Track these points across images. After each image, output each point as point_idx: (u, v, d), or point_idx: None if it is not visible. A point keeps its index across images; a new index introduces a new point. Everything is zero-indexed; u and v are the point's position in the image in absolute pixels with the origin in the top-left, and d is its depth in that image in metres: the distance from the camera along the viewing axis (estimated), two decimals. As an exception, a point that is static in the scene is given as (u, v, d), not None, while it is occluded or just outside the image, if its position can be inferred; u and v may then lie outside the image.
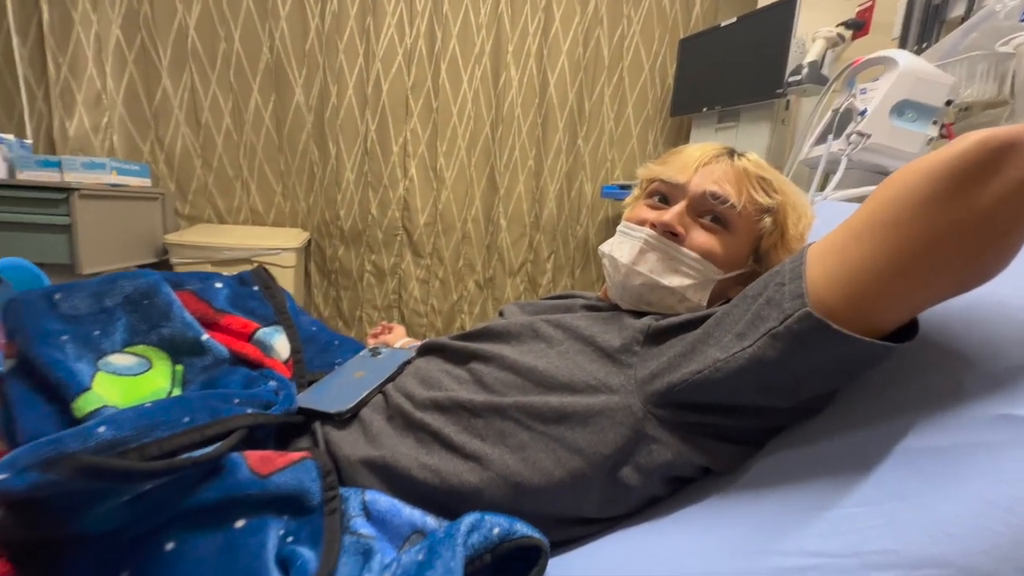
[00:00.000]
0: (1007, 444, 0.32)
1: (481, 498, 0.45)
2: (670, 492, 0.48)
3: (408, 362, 0.59)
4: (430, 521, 0.42)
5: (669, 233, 0.55)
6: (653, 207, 0.59)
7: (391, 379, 0.55)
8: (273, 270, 1.90)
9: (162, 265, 1.80)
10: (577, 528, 0.47)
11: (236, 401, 0.39)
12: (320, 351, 0.61)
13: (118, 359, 0.40)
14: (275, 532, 0.34)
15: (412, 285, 2.09)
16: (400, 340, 0.94)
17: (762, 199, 0.56)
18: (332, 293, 2.11)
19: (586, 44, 2.01)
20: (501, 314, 0.66)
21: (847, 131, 1.10)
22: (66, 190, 1.37)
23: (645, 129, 2.14)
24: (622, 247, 0.58)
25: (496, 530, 0.40)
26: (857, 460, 0.38)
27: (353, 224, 2.03)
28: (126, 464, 0.28)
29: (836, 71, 1.21)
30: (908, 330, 0.38)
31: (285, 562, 0.33)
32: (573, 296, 0.67)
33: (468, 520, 0.40)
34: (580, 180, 2.14)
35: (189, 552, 0.31)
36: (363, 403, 0.51)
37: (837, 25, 1.50)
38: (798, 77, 1.49)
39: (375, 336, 0.99)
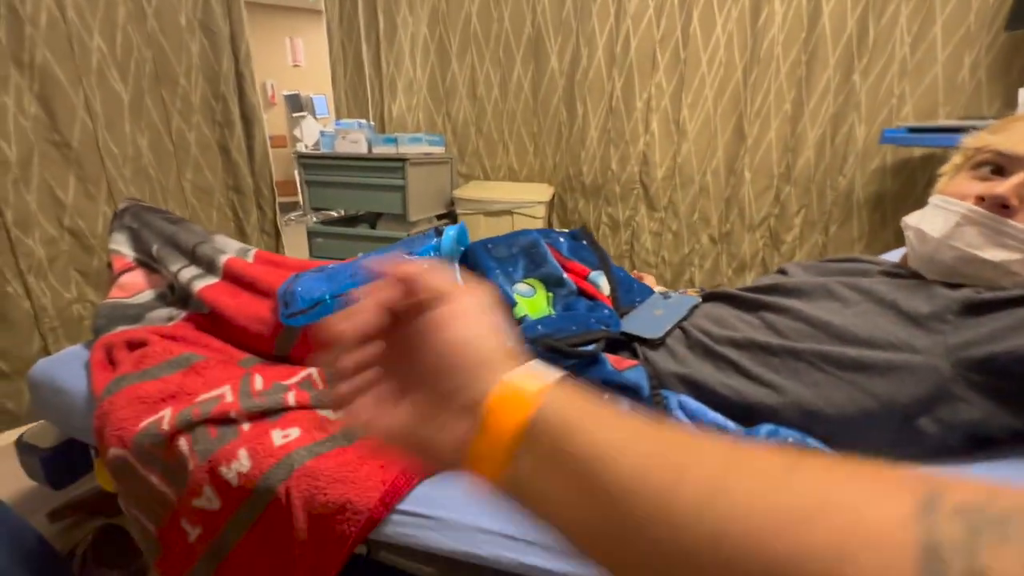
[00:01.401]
0: None
1: (776, 416, 0.53)
2: (969, 447, 0.50)
3: (696, 306, 0.68)
4: (730, 424, 0.54)
5: (999, 206, 0.52)
6: (982, 178, 0.55)
7: (685, 318, 0.65)
8: (524, 220, 2.24)
9: (449, 215, 2.30)
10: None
11: (593, 320, 0.57)
12: (626, 292, 0.75)
13: (521, 287, 0.63)
14: (625, 407, 0.51)
15: (644, 237, 2.18)
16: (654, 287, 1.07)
17: None
18: (571, 241, 2.35)
19: (881, -47, 1.65)
20: (783, 272, 0.71)
21: None
22: (402, 160, 1.88)
23: (959, 52, 1.67)
24: (934, 220, 0.56)
25: (790, 439, 0.49)
26: None
27: (593, 179, 2.19)
28: (565, 346, 0.47)
29: None
30: None
31: None
32: (861, 260, 0.69)
33: (766, 428, 0.50)
34: (851, 123, 1.83)
35: None
36: (668, 333, 0.63)
37: None
38: None
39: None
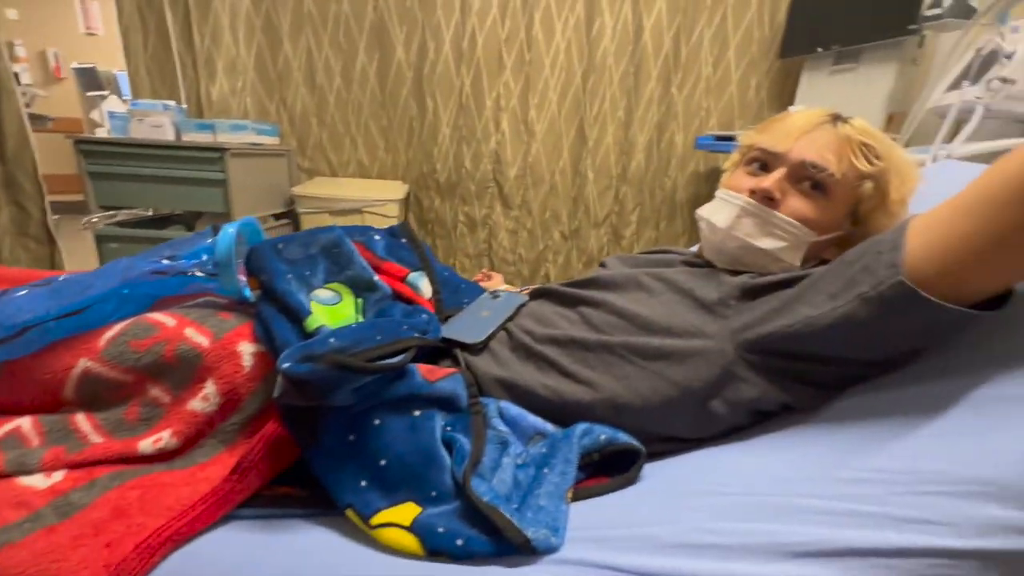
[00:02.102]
0: None
1: (590, 413, 0.53)
2: (753, 423, 0.53)
3: (523, 305, 0.66)
4: (549, 427, 0.52)
5: (766, 199, 0.58)
6: (752, 174, 0.61)
7: (511, 318, 0.63)
8: (377, 220, 2.09)
9: (290, 214, 2.05)
10: (669, 444, 0.54)
11: (406, 327, 0.50)
12: (452, 293, 0.70)
13: (322, 293, 0.53)
14: (439, 421, 0.45)
15: (502, 235, 2.19)
16: (501, 286, 1.05)
17: (863, 166, 0.56)
18: (428, 242, 2.26)
19: (687, -18, 1.87)
20: (603, 265, 0.72)
21: (987, 76, 0.98)
22: (220, 150, 1.60)
23: (747, 74, 1.98)
24: (720, 212, 0.61)
25: (603, 436, 0.50)
26: (931, 404, 0.42)
27: (448, 176, 2.13)
28: (356, 362, 0.40)
29: (987, 2, 1.06)
30: (999, 299, 0.40)
31: (448, 444, 0.44)
32: (670, 252, 0.72)
33: (581, 427, 0.50)
34: (671, 131, 2.05)
35: (389, 426, 0.42)
36: (492, 336, 0.60)
37: (998, -58, 1.27)
38: (938, 10, 1.29)
39: (478, 281, 1.10)
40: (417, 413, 0.44)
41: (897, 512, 0.36)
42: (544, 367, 0.56)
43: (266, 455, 0.41)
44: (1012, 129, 1.14)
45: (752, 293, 0.54)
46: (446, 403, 0.47)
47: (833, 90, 1.66)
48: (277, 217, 2.00)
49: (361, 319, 0.56)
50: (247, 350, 0.45)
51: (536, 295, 0.69)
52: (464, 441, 0.45)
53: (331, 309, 0.51)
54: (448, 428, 0.47)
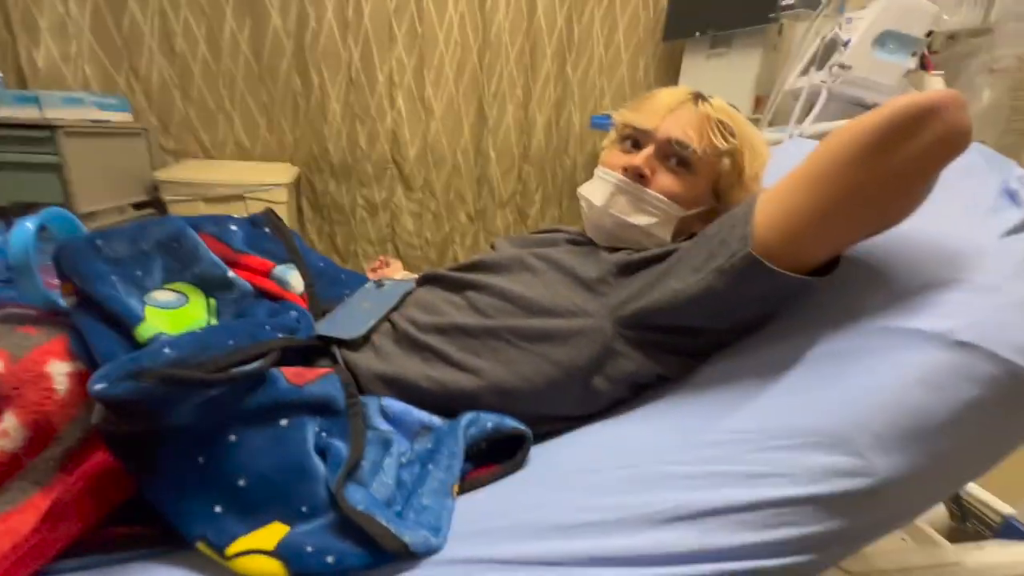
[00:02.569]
0: (882, 348, 0.42)
1: (477, 402, 0.52)
2: (633, 395, 0.56)
3: (409, 293, 0.63)
4: (436, 420, 0.50)
5: (638, 176, 0.59)
6: (625, 152, 0.63)
7: (395, 308, 0.60)
8: (264, 206, 1.90)
9: (154, 203, 1.79)
10: (556, 424, 0.55)
11: (268, 328, 0.45)
12: (329, 284, 0.65)
13: (160, 295, 0.45)
14: (312, 429, 0.41)
15: (405, 219, 2.10)
16: (399, 274, 0.99)
17: (719, 143, 0.59)
18: (326, 228, 2.11)
19: (576, -40, 1.88)
20: (493, 247, 0.71)
21: (830, 62, 1.09)
22: (49, 128, 1.31)
23: (636, 56, 2.06)
24: (596, 191, 0.62)
25: (489, 424, 0.49)
26: (778, 364, 0.47)
27: (342, 158, 1.99)
28: (194, 375, 0.34)
29: (830, -5, 1.18)
30: (831, 265, 0.45)
31: (324, 451, 0.40)
32: (558, 231, 0.72)
33: (467, 417, 0.49)
34: (568, 110, 2.09)
35: (247, 442, 0.38)
36: (373, 329, 0.56)
37: (836, -58, 1.42)
38: (791, 1, 1.44)
39: (374, 271, 1.04)
40: (284, 423, 0.40)
41: (748, 469, 0.40)
42: (429, 358, 0.54)
43: (88, 493, 0.34)
44: (852, 111, 1.31)
45: (628, 269, 0.56)
46: (320, 407, 0.43)
47: (710, 74, 1.78)
48: (138, 207, 1.73)
49: (215, 322, 0.49)
50: (59, 370, 0.36)
51: (423, 281, 0.66)
52: (341, 447, 0.41)
53: (173, 314, 0.44)
54: (323, 434, 0.43)
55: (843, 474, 0.38)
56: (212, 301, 0.50)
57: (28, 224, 0.39)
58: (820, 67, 1.16)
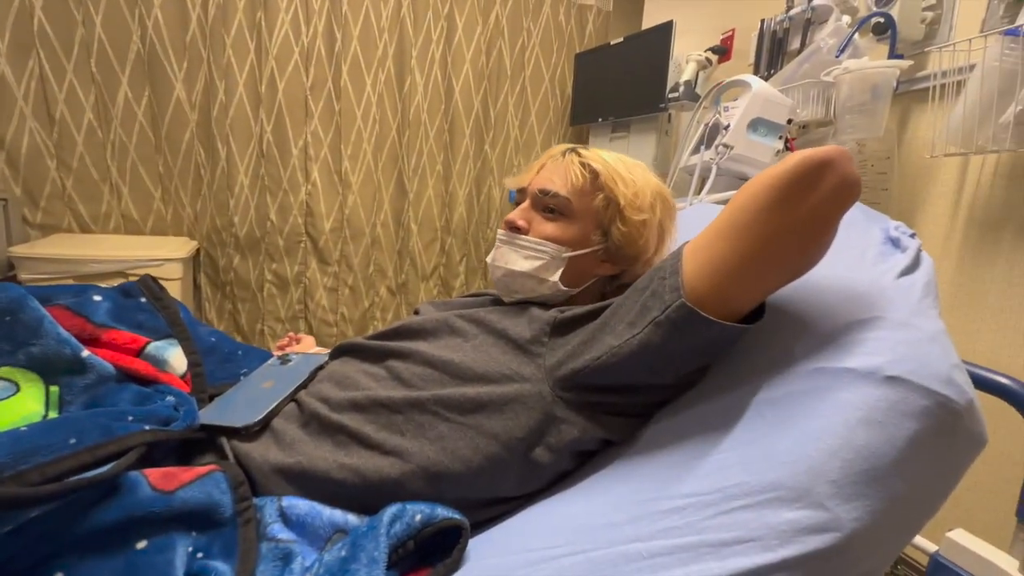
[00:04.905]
0: (819, 389, 0.41)
1: (403, 491, 0.44)
2: (577, 465, 0.51)
3: (321, 367, 0.55)
4: (352, 519, 0.41)
5: (514, 228, 0.62)
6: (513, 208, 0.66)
7: (303, 386, 0.51)
8: (154, 283, 1.68)
9: (9, 282, 1.50)
10: (496, 507, 0.48)
11: (130, 419, 0.34)
12: (222, 362, 0.55)
13: None
14: (183, 549, 0.31)
15: (319, 294, 1.96)
16: (311, 350, 0.88)
17: (575, 179, 0.60)
18: (228, 306, 1.91)
19: (488, 53, 2.03)
20: (416, 312, 0.66)
21: (715, 143, 1.22)
22: None
23: (548, 136, 2.21)
24: (493, 251, 0.64)
25: (418, 517, 0.41)
26: (722, 418, 0.45)
27: (250, 231, 1.85)
28: (5, 491, 0.23)
29: (706, 90, 1.35)
30: (758, 312, 0.45)
31: None
32: (484, 294, 0.70)
33: (390, 511, 0.40)
34: (488, 185, 2.15)
35: None
36: (273, 414, 0.46)
37: (705, 50, 1.67)
38: (676, 94, 1.63)
39: (282, 348, 0.91)
40: (141, 545, 0.30)
41: (713, 537, 0.37)
42: (343, 441, 0.45)
43: None
44: (739, 184, 1.47)
45: (561, 328, 0.53)
46: (196, 519, 0.33)
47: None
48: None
49: (55, 415, 0.37)
50: None
51: (338, 353, 0.58)
52: (224, 569, 0.31)
53: (-4, 407, 0.32)
54: (199, 555, 0.32)
55: (810, 530, 0.36)
56: (54, 389, 0.38)
57: None
58: (708, 146, 1.30)
